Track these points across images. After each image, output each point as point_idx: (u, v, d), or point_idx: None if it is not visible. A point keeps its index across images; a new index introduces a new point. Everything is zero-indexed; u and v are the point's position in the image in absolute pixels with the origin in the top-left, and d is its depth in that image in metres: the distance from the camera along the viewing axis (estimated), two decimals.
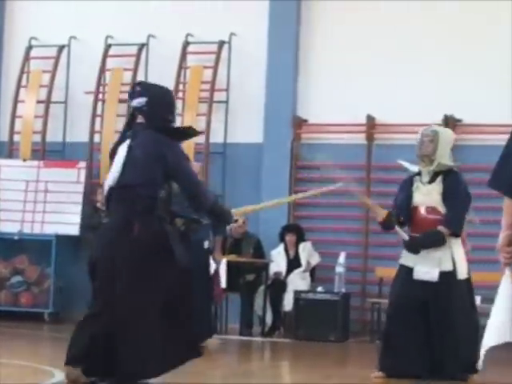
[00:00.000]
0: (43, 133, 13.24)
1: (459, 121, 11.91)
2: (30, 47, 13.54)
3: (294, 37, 12.49)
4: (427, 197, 7.51)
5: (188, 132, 6.65)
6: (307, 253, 11.77)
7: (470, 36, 11.98)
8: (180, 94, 12.81)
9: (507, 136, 11.04)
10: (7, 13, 13.83)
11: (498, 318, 3.48)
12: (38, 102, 13.34)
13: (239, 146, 12.55)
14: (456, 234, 7.46)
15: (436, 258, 7.41)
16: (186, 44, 12.85)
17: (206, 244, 10.28)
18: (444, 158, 7.50)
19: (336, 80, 12.19)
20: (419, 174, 7.61)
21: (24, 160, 13.02)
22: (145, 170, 6.24)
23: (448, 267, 7.39)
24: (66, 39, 13.39)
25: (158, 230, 6.22)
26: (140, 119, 6.36)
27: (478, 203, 11.42)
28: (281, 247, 11.75)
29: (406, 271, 7.48)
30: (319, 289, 11.40)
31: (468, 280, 7.51)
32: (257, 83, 12.54)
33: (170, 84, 12.65)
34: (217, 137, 12.62)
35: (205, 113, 12.59)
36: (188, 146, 12.57)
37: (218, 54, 12.70)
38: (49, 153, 13.22)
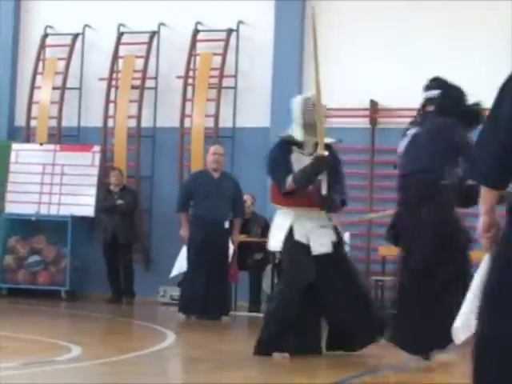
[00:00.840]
0: (59, 118, 13.22)
1: None
2: (45, 35, 13.51)
3: (299, 25, 12.41)
4: None
5: (476, 117, 6.66)
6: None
7: (469, 23, 11.90)
8: (190, 81, 12.78)
9: None
10: (23, 2, 13.82)
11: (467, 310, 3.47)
12: (54, 88, 13.32)
13: (247, 130, 12.52)
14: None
15: (326, 230, 7.00)
16: (196, 32, 12.80)
17: (227, 224, 10.32)
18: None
19: (340, 66, 12.13)
20: (297, 143, 7.00)
21: (41, 144, 13.02)
22: (428, 156, 6.46)
23: (334, 238, 6.98)
24: (80, 27, 13.38)
25: (442, 217, 6.41)
26: (430, 109, 6.73)
27: None
28: None
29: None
30: None
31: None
32: (264, 69, 12.51)
33: (180, 70, 12.71)
34: (225, 121, 12.61)
35: (214, 98, 12.56)
36: (197, 131, 12.60)
37: (227, 41, 12.65)
38: (64, 137, 13.20)
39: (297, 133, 7.00)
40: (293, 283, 6.81)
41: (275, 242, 6.94)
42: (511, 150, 3.19)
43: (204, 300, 10.08)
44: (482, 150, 3.29)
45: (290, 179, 6.80)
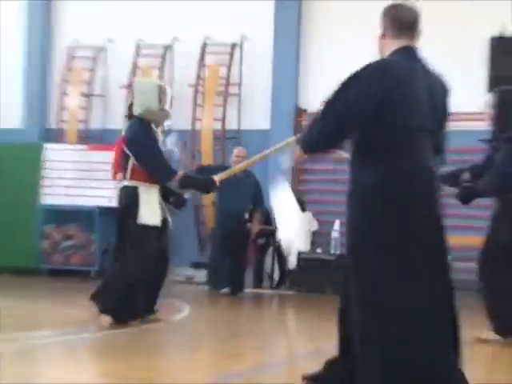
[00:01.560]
0: (86, 121, 13.77)
1: None
2: (73, 48, 13.98)
3: (295, 39, 12.82)
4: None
5: None
6: (308, 220, 11.98)
7: (444, 22, 11.79)
8: (200, 88, 13.28)
9: None
10: (53, 16, 14.26)
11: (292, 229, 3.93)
12: (81, 95, 13.85)
13: (250, 132, 12.80)
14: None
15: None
16: (205, 45, 13.15)
17: (246, 216, 11.05)
18: None
19: (332, 76, 12.03)
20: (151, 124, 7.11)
21: (71, 144, 13.54)
22: None
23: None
24: (103, 41, 13.82)
25: None
26: None
27: None
28: None
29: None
30: (318, 250, 11.79)
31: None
32: (264, 79, 12.89)
33: (191, 80, 13.19)
34: (231, 124, 13.03)
35: (221, 104, 13.03)
36: (207, 133, 13.09)
37: (232, 54, 13.01)
38: (91, 138, 13.71)
39: (153, 115, 7.07)
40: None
41: (151, 216, 7.07)
42: (339, 133, 3.62)
43: (227, 278, 10.98)
44: (320, 125, 3.64)
45: (178, 176, 6.98)
